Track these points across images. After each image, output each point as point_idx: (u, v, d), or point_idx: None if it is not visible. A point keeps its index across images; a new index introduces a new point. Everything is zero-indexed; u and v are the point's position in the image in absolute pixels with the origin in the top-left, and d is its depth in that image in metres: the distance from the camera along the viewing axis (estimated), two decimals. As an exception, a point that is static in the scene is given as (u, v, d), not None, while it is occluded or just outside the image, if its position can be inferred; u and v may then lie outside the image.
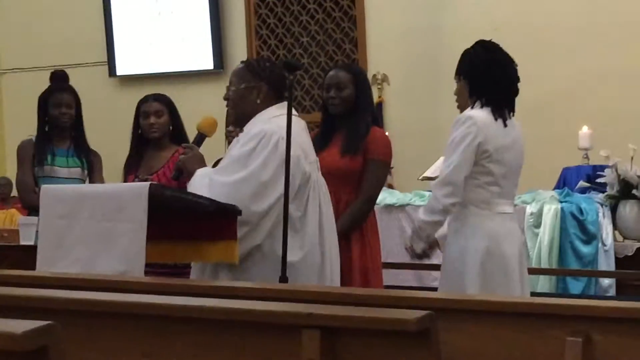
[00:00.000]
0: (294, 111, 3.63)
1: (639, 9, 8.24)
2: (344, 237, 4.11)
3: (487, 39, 4.16)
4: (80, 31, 10.19)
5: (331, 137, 4.37)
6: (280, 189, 3.41)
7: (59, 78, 5.32)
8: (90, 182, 5.09)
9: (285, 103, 3.62)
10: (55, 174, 5.11)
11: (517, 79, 4.06)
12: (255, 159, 3.50)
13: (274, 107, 3.72)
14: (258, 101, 3.73)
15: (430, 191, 6.19)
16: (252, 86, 3.75)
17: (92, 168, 5.18)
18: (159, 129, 4.72)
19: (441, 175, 3.98)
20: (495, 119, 3.96)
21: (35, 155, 5.16)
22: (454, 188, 3.90)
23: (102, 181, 5.15)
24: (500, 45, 4.08)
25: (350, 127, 4.34)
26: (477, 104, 4.00)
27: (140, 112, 4.77)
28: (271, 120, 3.65)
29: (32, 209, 5.14)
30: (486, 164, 3.94)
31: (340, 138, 4.35)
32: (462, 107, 4.15)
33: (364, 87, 4.44)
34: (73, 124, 5.23)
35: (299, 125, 3.71)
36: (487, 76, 3.99)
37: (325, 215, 3.70)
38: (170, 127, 4.79)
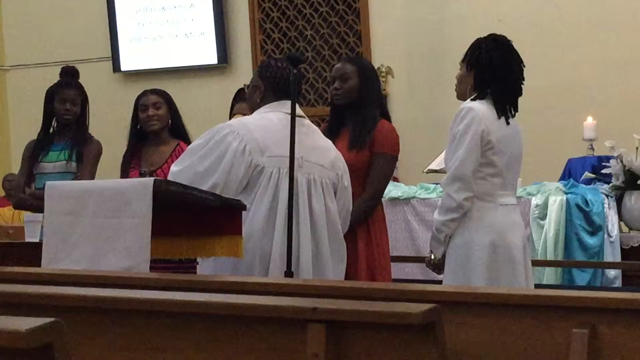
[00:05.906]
0: (297, 109, 3.68)
1: (643, -1, 8.22)
2: (350, 232, 4.10)
3: (491, 30, 4.14)
4: (84, 27, 10.19)
5: (339, 131, 4.35)
6: (214, 179, 3.52)
7: (68, 73, 5.36)
8: (78, 171, 5.08)
9: (284, 102, 3.74)
10: (42, 169, 5.14)
11: (523, 80, 4.04)
12: (199, 151, 3.61)
13: (269, 104, 3.80)
14: (258, 100, 3.85)
15: (435, 183, 6.20)
16: (256, 85, 3.87)
17: (81, 158, 5.14)
18: (158, 121, 4.73)
19: (449, 171, 3.94)
20: (499, 116, 3.95)
21: (32, 154, 5.18)
22: (463, 183, 3.87)
23: (91, 170, 5.12)
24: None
25: (358, 121, 4.30)
26: (479, 96, 3.98)
27: (139, 106, 4.78)
28: (254, 116, 3.79)
29: (19, 208, 5.14)
30: (490, 156, 3.92)
31: (348, 132, 4.33)
32: (460, 94, 4.13)
33: (370, 79, 4.38)
34: (76, 119, 5.23)
35: (272, 121, 3.73)
36: (495, 72, 3.97)
37: (314, 211, 3.69)
38: (169, 122, 4.80)
